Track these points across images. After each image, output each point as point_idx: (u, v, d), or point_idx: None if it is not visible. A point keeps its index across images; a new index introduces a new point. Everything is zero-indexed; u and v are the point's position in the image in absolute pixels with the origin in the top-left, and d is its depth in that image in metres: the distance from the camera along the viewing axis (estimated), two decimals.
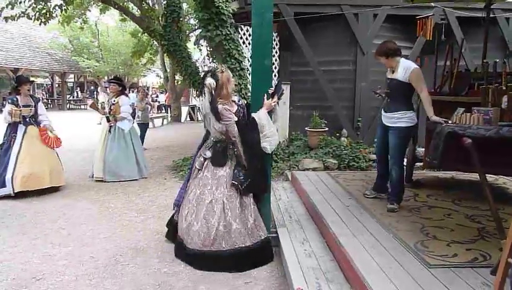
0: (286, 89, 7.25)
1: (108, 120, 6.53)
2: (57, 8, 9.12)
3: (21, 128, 5.51)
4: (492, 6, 5.78)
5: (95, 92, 28.48)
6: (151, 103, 18.86)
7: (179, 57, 8.29)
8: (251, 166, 3.47)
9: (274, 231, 3.84)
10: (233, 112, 3.50)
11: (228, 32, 7.10)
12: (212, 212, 3.37)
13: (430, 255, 2.88)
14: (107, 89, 24.42)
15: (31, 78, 12.24)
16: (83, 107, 26.64)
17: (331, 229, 3.52)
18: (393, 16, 7.58)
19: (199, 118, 18.49)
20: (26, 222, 4.45)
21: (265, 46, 3.62)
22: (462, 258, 2.86)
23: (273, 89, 3.65)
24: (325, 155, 6.85)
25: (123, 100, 6.59)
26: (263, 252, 3.44)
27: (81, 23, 15.46)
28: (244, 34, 8.01)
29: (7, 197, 5.25)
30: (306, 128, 7.51)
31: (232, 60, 7.14)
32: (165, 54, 12.39)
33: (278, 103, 3.65)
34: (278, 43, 8.03)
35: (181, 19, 9.07)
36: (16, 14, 8.72)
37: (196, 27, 16.86)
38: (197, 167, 3.63)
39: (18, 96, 5.53)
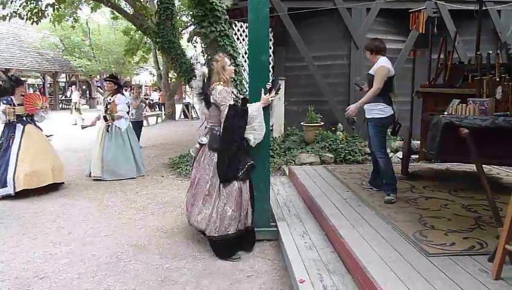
0: (281, 84, 7.26)
1: (105, 119, 6.47)
2: (48, 7, 9.04)
3: (19, 128, 5.50)
4: None
5: (71, 92, 27.19)
6: (145, 100, 18.72)
7: (173, 54, 8.30)
8: (222, 150, 3.46)
9: (274, 224, 3.88)
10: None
11: (223, 29, 7.09)
12: (209, 198, 3.48)
13: (428, 245, 2.95)
14: (100, 88, 24.27)
15: (22, 78, 12.05)
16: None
17: (330, 222, 3.57)
18: (386, 10, 7.62)
19: (193, 116, 18.46)
20: (26, 222, 4.44)
21: (262, 41, 3.64)
22: (460, 246, 2.92)
23: (270, 84, 3.67)
24: (322, 149, 6.90)
25: (119, 98, 6.49)
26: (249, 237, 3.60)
27: (72, 22, 15.29)
28: (238, 30, 8.01)
29: (5, 197, 5.23)
30: (302, 123, 7.53)
31: None
32: (159, 52, 12.36)
33: (274, 97, 3.68)
34: (272, 39, 8.03)
35: (174, 16, 9.06)
36: (8, 14, 8.64)
37: (189, 24, 16.83)
38: (192, 153, 3.72)
39: (12, 97, 5.52)
